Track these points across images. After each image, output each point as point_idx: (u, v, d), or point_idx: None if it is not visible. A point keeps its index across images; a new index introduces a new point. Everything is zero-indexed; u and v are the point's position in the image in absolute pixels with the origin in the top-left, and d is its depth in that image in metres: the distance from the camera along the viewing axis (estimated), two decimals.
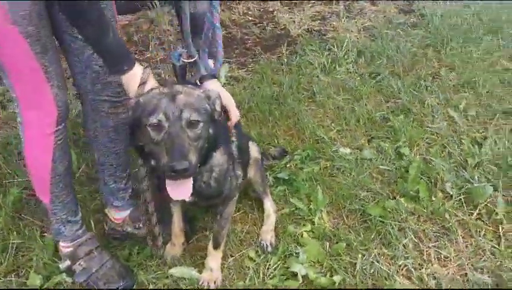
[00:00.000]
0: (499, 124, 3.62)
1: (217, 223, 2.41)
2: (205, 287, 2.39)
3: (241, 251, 2.61)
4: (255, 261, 2.54)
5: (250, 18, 5.71)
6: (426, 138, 3.44)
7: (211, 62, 2.29)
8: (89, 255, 2.42)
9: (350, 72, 4.44)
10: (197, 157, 1.84)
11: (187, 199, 2.13)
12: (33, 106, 2.08)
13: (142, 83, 1.98)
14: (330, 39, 5.07)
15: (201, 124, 1.88)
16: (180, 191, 1.90)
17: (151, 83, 2.02)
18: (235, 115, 2.25)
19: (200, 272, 2.45)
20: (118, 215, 2.67)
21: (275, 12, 5.87)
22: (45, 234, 2.65)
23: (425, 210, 2.79)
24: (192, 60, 2.26)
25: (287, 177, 3.06)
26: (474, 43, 4.87)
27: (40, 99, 2.06)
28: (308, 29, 5.40)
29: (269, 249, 2.62)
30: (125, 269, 2.44)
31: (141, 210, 2.55)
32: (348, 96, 4.05)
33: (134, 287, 2.40)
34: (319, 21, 5.66)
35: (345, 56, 4.60)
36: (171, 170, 1.72)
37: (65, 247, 2.45)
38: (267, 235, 2.67)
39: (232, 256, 2.58)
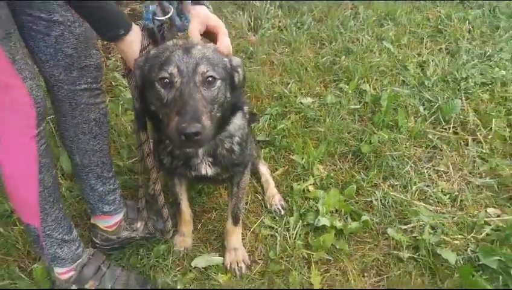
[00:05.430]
0: (429, 46, 3.86)
1: (234, 196, 2.20)
2: (236, 270, 2.21)
3: (254, 222, 2.45)
4: (273, 227, 2.41)
5: None
6: (376, 72, 3.53)
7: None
8: (97, 274, 2.08)
9: (274, 27, 4.36)
10: (211, 123, 1.59)
11: (210, 172, 1.92)
12: (5, 106, 1.65)
13: (144, 48, 1.68)
14: None
15: (218, 83, 1.64)
16: None
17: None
18: (225, 45, 1.75)
19: (221, 256, 2.26)
20: (111, 221, 2.32)
21: None
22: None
23: (404, 136, 2.89)
24: (168, 15, 1.72)
25: (268, 139, 2.94)
26: None
27: (13, 97, 1.64)
28: None
29: (282, 212, 2.50)
30: (141, 277, 2.16)
31: (141, 204, 2.26)
32: (284, 49, 3.98)
33: None
34: None
35: (265, 11, 4.49)
36: (180, 132, 1.49)
37: (65, 273, 2.06)
38: (275, 198, 2.55)
39: (248, 229, 2.42)
